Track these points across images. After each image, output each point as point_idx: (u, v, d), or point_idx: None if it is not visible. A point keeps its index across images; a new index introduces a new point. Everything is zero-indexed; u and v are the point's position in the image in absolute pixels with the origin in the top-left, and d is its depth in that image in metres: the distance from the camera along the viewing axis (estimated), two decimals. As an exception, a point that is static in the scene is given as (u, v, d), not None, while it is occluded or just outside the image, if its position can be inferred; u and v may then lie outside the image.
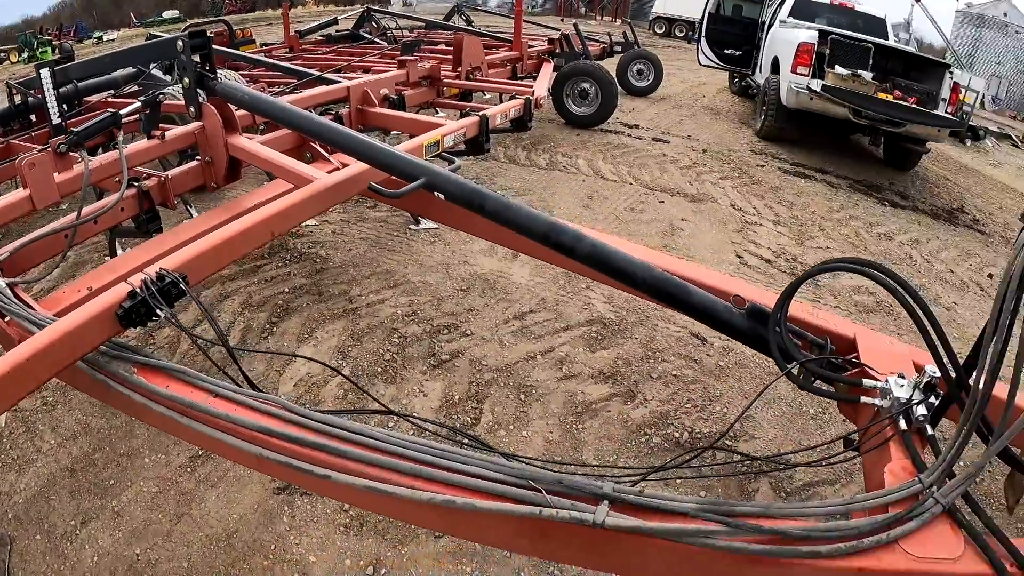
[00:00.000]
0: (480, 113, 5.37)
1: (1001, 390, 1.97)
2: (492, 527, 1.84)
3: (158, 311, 2.41)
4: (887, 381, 2.30)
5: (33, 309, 2.74)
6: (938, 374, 2.21)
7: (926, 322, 2.16)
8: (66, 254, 3.27)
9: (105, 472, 3.44)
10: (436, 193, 2.84)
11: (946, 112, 9.99)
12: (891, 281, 2.17)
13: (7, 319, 2.76)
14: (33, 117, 7.53)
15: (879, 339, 2.64)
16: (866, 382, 2.32)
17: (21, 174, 3.45)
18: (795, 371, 2.45)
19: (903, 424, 2.20)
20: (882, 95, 9.55)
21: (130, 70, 8.01)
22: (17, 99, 7.47)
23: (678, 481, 3.22)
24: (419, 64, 6.83)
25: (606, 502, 1.68)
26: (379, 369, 3.63)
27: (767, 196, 7.89)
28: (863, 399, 2.32)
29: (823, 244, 6.79)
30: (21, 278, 3.25)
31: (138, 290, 2.42)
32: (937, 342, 2.18)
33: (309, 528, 2.91)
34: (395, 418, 3.36)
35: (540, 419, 3.55)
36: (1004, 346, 1.95)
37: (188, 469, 3.38)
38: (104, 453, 3.54)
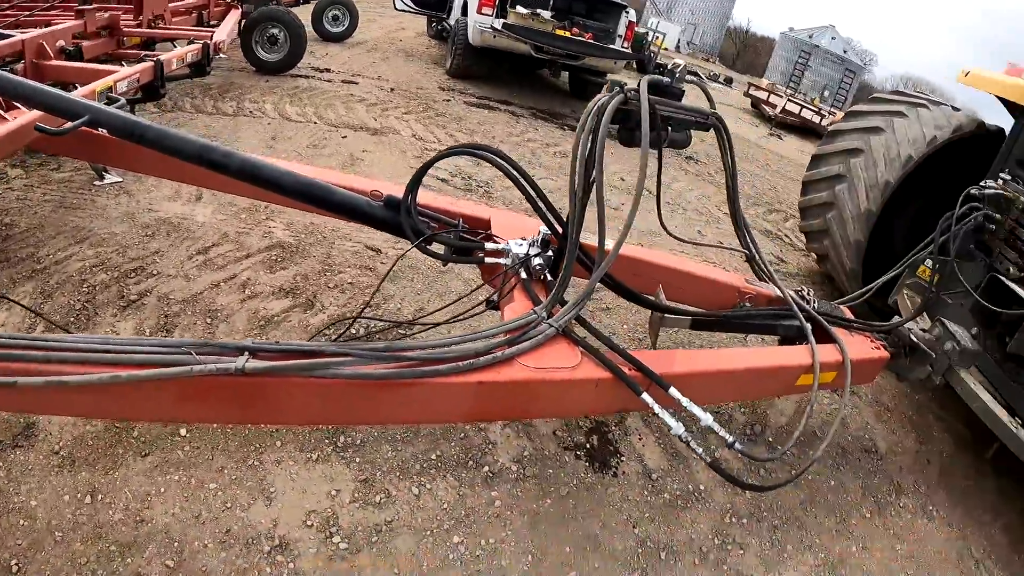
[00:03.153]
0: (155, 59, 5.27)
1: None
2: (152, 397, 1.96)
3: None
4: (508, 244, 2.80)
5: None
6: (548, 232, 2.74)
7: (531, 191, 2.66)
8: None
9: None
10: (100, 129, 2.90)
11: (622, 47, 11.20)
12: (498, 159, 2.64)
13: None
14: None
15: (513, 216, 3.14)
16: (490, 246, 2.80)
17: None
18: (440, 250, 2.88)
19: (524, 275, 2.71)
20: (560, 32, 10.47)
21: None
22: None
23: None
24: (97, 14, 6.45)
25: (247, 352, 1.92)
26: (71, 319, 3.60)
27: (450, 126, 8.43)
28: (489, 260, 2.80)
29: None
30: None
31: None
32: (542, 205, 2.70)
33: (26, 478, 2.92)
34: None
35: (226, 336, 3.71)
36: (584, 202, 2.51)
37: None
38: None
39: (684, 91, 2.90)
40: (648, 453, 3.68)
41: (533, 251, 2.74)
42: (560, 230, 2.71)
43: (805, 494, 3.83)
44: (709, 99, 3.08)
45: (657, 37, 19.29)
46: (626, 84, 2.55)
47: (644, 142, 2.37)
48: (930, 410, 5.17)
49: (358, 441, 3.16)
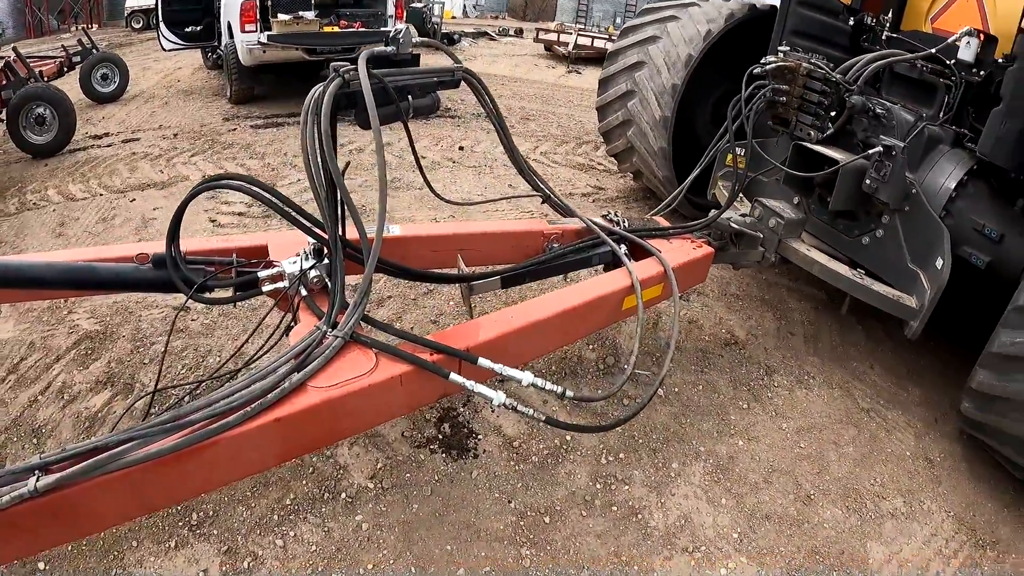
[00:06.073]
0: None
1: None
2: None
3: None
4: (281, 264, 2.63)
5: None
6: (315, 241, 2.58)
7: (282, 205, 2.49)
8: None
9: None
10: None
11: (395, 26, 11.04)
12: (243, 184, 2.44)
13: None
14: None
15: (291, 235, 2.90)
16: (263, 273, 2.61)
17: None
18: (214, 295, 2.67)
19: (304, 291, 2.55)
20: (328, 29, 10.23)
21: None
22: None
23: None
24: None
25: (36, 472, 1.75)
26: None
27: (239, 155, 8.10)
28: (269, 287, 2.61)
29: (296, 179, 7.31)
30: None
31: None
32: (297, 216, 2.53)
33: None
34: None
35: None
36: (333, 199, 2.36)
37: None
38: None
39: (417, 55, 2.80)
40: (505, 423, 3.59)
41: (307, 264, 2.59)
42: (323, 235, 2.56)
43: (675, 407, 3.84)
44: (452, 57, 2.98)
45: (434, 7, 19.56)
46: (344, 66, 2.42)
47: (374, 122, 2.26)
48: (781, 285, 5.32)
49: (211, 513, 2.96)
